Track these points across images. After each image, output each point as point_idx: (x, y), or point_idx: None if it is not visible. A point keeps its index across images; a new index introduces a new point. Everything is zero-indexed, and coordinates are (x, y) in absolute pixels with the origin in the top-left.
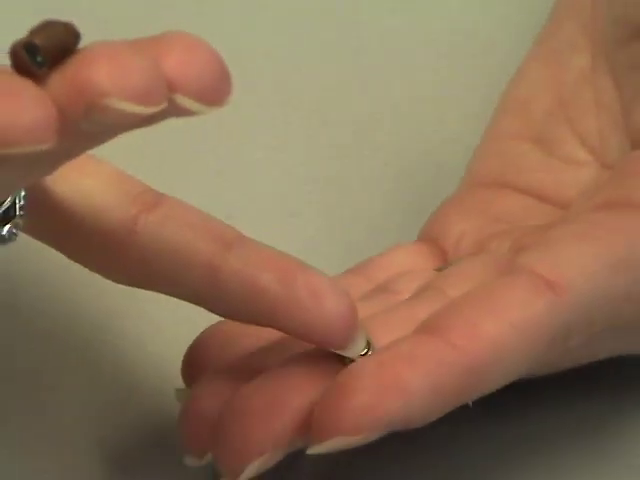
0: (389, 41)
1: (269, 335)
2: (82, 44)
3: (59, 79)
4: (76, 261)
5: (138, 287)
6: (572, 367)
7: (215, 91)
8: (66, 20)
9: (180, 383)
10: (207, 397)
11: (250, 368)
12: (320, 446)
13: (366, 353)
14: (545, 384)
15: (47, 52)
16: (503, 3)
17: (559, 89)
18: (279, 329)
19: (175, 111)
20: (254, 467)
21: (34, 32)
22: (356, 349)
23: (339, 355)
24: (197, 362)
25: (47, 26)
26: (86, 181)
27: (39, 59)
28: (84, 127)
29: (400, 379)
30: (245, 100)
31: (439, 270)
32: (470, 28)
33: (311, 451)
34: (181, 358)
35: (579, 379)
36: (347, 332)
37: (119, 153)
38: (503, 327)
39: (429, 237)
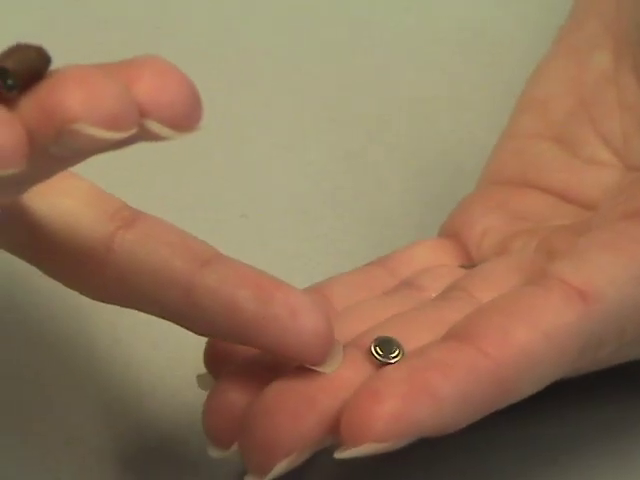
0: (403, 39)
1: None
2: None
3: (29, 103)
4: (53, 277)
5: (116, 304)
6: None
7: (186, 117)
8: (36, 44)
9: (192, 378)
10: (235, 389)
11: (277, 363)
12: (348, 451)
13: (397, 356)
14: (571, 385)
15: (18, 76)
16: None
17: (580, 88)
18: (256, 347)
19: (145, 136)
20: (282, 466)
21: (4, 56)
22: (332, 366)
23: (372, 356)
24: (221, 349)
25: (18, 50)
26: (63, 199)
27: (9, 82)
28: (53, 151)
29: (431, 386)
30: (258, 99)
31: (465, 267)
32: (485, 25)
33: (339, 455)
34: (193, 353)
35: (606, 378)
36: (324, 349)
37: (130, 152)
38: (535, 336)
39: (451, 233)
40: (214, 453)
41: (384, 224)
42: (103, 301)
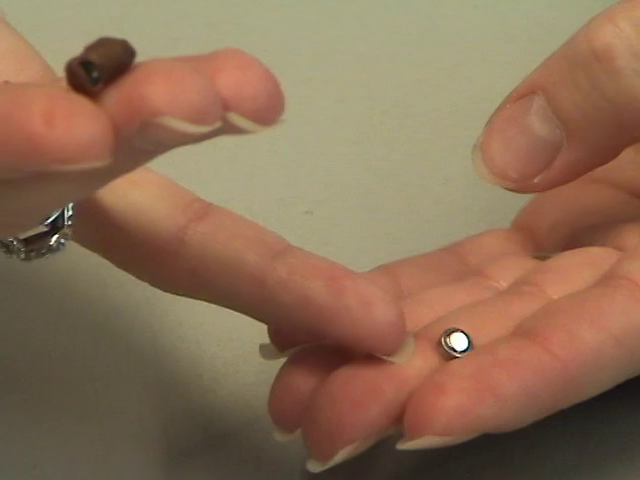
0: (471, 36)
1: None
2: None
3: (114, 96)
4: (124, 269)
5: (187, 296)
6: None
7: (269, 110)
8: (121, 38)
9: (256, 375)
10: (301, 373)
11: (343, 348)
12: (410, 442)
13: (466, 349)
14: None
15: (103, 69)
16: None
17: None
18: (328, 337)
19: (228, 129)
20: (345, 453)
21: (90, 49)
22: (404, 356)
23: (442, 348)
24: None
25: (103, 43)
26: (135, 192)
27: (94, 75)
28: (137, 144)
29: (497, 384)
30: (326, 95)
31: (537, 257)
32: (557, 22)
33: (401, 446)
34: (257, 351)
35: None
36: (396, 340)
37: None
38: (602, 338)
39: (522, 226)
40: (279, 437)
41: (451, 222)
42: (175, 293)
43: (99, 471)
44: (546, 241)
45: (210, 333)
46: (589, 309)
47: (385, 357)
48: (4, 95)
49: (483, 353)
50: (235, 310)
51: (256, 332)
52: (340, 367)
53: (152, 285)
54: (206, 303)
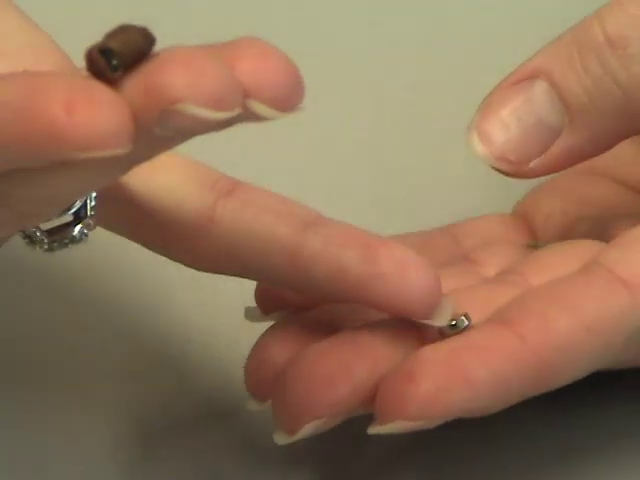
0: (481, 36)
1: None
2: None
3: (134, 84)
4: (153, 250)
5: (219, 273)
6: None
7: (288, 97)
8: (141, 25)
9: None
10: (276, 345)
11: (325, 321)
12: (381, 427)
13: (467, 327)
14: (621, 376)
15: (122, 56)
16: None
17: None
18: (364, 304)
19: (248, 116)
20: (309, 428)
21: (109, 36)
22: (443, 317)
23: (419, 330)
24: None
25: (122, 30)
26: (162, 174)
27: (114, 63)
28: (157, 132)
29: (467, 370)
30: (335, 95)
31: (531, 246)
32: (562, 22)
33: (372, 431)
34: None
35: None
36: (433, 302)
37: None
38: (576, 326)
39: (520, 213)
40: (251, 405)
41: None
42: (209, 271)
43: (105, 468)
44: (542, 229)
45: (218, 335)
46: (563, 296)
47: (423, 321)
48: (23, 83)
49: (456, 339)
50: (270, 283)
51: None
52: (315, 343)
53: (186, 265)
54: (212, 304)
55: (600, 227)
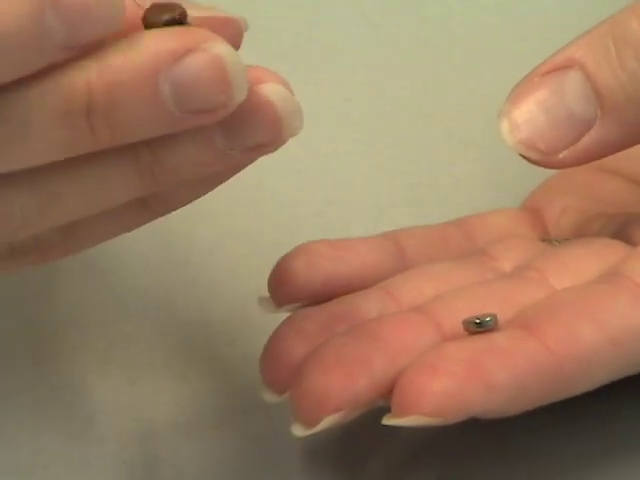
0: (481, 36)
1: (362, 268)
2: None
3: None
4: None
5: None
6: None
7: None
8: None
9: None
10: (295, 337)
11: (341, 314)
12: (397, 420)
13: (491, 324)
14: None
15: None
16: None
17: None
18: None
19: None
20: (329, 421)
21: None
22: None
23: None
24: (284, 280)
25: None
26: None
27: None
28: None
29: (488, 372)
30: (336, 95)
31: (544, 241)
32: (563, 23)
33: (386, 422)
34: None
35: None
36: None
37: None
38: (599, 337)
39: (531, 208)
40: (268, 397)
41: (449, 204)
42: None
43: (110, 470)
44: (555, 225)
45: (220, 332)
46: (590, 307)
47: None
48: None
49: (480, 340)
50: None
51: (268, 331)
52: (334, 335)
53: None
54: (216, 302)
55: (615, 225)
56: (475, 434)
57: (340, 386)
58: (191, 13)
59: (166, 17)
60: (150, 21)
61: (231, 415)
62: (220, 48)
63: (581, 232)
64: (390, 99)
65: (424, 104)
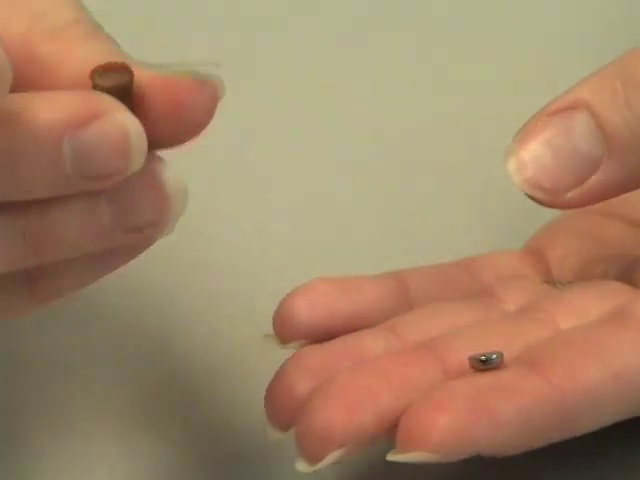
0: (484, 86)
1: (366, 306)
2: None
3: None
4: None
5: None
6: None
7: None
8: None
9: None
10: (299, 373)
11: (347, 350)
12: (401, 455)
13: (497, 362)
14: None
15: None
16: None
17: None
18: None
19: None
20: (334, 456)
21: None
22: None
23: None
24: (288, 317)
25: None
26: None
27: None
28: None
29: (493, 408)
30: (336, 142)
31: (548, 283)
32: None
33: (391, 458)
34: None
35: None
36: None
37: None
38: (605, 375)
39: (534, 250)
40: (272, 434)
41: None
42: None
43: (116, 472)
44: (558, 267)
45: (221, 378)
46: (595, 345)
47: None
48: None
49: (486, 377)
50: None
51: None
52: (339, 371)
53: None
54: (217, 348)
55: (618, 267)
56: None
57: (344, 421)
58: (147, 73)
59: (112, 83)
60: (96, 82)
61: (234, 461)
62: (126, 119)
63: (584, 275)
64: (390, 146)
65: (424, 151)
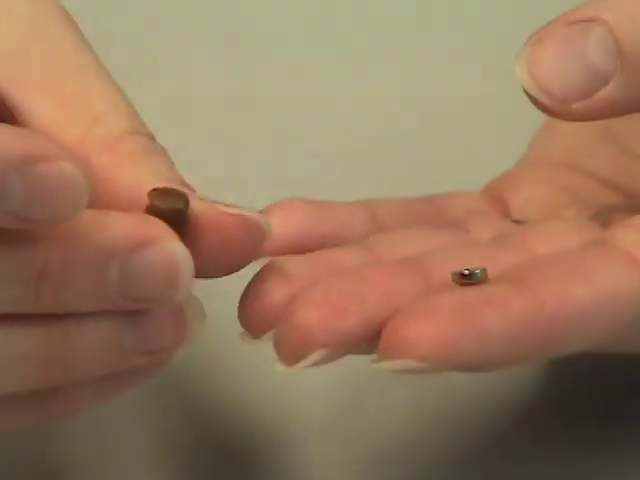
0: (482, 109)
1: (338, 227)
2: None
3: None
4: None
5: None
6: None
7: None
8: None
9: None
10: (277, 279)
11: (326, 260)
12: (385, 363)
13: (481, 276)
14: None
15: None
16: None
17: None
18: None
19: None
20: (315, 357)
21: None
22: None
23: (427, 273)
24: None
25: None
26: None
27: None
28: None
29: (482, 320)
30: (335, 168)
31: (516, 222)
32: None
33: (374, 365)
34: None
35: None
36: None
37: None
38: (592, 296)
39: (493, 195)
40: (245, 340)
41: None
42: None
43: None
44: (519, 213)
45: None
46: (580, 266)
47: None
48: None
49: (472, 290)
50: None
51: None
52: (320, 278)
53: None
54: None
55: (589, 212)
56: None
57: (330, 320)
58: (202, 203)
59: (168, 205)
60: (153, 203)
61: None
62: (177, 248)
63: (553, 217)
64: (390, 174)
65: (423, 178)
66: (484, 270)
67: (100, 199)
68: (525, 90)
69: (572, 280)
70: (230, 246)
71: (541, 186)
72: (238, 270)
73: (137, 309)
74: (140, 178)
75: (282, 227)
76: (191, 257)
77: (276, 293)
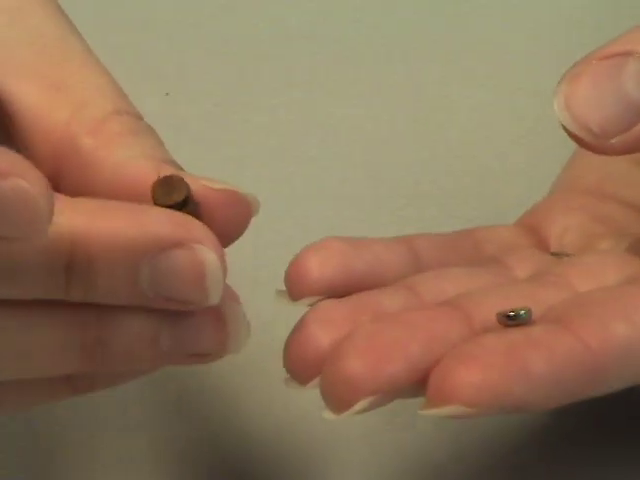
0: (480, 115)
1: (377, 265)
2: None
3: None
4: None
5: None
6: None
7: None
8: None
9: None
10: (320, 325)
11: (367, 304)
12: (433, 410)
13: (526, 317)
14: None
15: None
16: None
17: None
18: None
19: None
20: (362, 405)
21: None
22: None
23: (470, 317)
24: (300, 273)
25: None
26: None
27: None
28: None
29: (528, 363)
30: (332, 175)
31: (555, 255)
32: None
33: (422, 412)
34: None
35: None
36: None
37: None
38: (635, 333)
39: (529, 226)
40: (291, 387)
41: None
42: None
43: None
44: (557, 243)
45: None
46: (622, 304)
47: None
48: None
49: (516, 332)
50: None
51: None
52: (363, 323)
53: None
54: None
55: (625, 243)
56: None
57: (376, 368)
58: (196, 187)
59: (172, 200)
60: (157, 198)
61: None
62: (206, 254)
63: (586, 250)
64: (387, 179)
65: (420, 183)
66: (529, 310)
67: (88, 182)
68: (563, 126)
69: (614, 318)
70: (218, 221)
71: (576, 216)
72: (226, 246)
73: (173, 309)
74: (125, 159)
75: (320, 268)
76: (224, 263)
77: (321, 340)
